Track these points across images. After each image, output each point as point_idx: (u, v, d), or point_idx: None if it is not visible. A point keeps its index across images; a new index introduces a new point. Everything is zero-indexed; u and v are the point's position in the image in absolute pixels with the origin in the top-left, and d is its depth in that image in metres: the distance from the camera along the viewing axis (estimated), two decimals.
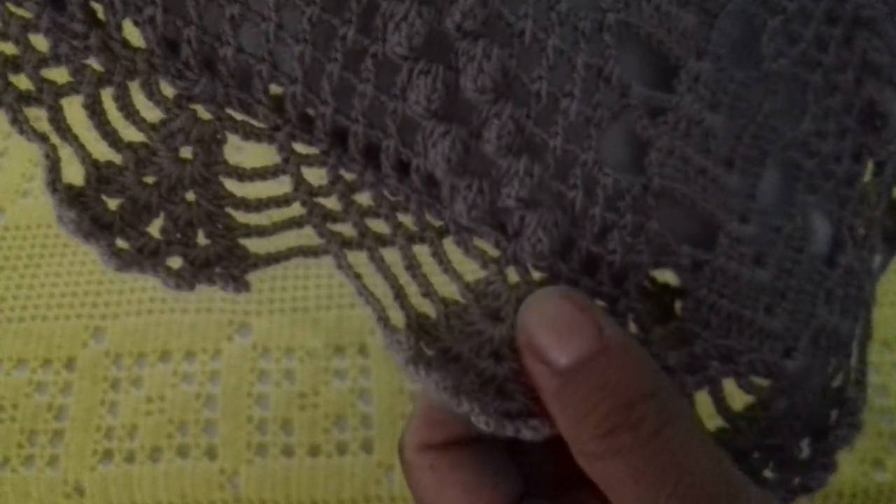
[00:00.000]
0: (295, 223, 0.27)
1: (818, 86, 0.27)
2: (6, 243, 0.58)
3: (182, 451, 0.50)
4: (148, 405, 0.51)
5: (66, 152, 0.25)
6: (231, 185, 0.27)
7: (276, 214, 0.28)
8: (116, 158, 0.25)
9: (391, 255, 0.27)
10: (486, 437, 0.27)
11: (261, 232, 0.27)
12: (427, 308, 0.27)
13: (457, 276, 0.27)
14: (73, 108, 0.25)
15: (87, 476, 0.49)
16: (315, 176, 0.27)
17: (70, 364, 0.53)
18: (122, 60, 0.25)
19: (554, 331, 0.24)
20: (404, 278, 0.27)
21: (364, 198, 0.27)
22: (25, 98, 0.25)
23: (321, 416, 0.51)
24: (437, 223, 0.27)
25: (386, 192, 0.26)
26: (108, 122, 0.25)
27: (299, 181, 0.27)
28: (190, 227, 0.26)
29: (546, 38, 0.24)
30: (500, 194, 0.25)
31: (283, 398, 0.52)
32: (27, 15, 0.24)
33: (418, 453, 0.28)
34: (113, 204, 0.25)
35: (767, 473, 0.28)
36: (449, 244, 0.27)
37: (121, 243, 0.25)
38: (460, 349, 0.26)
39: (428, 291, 0.27)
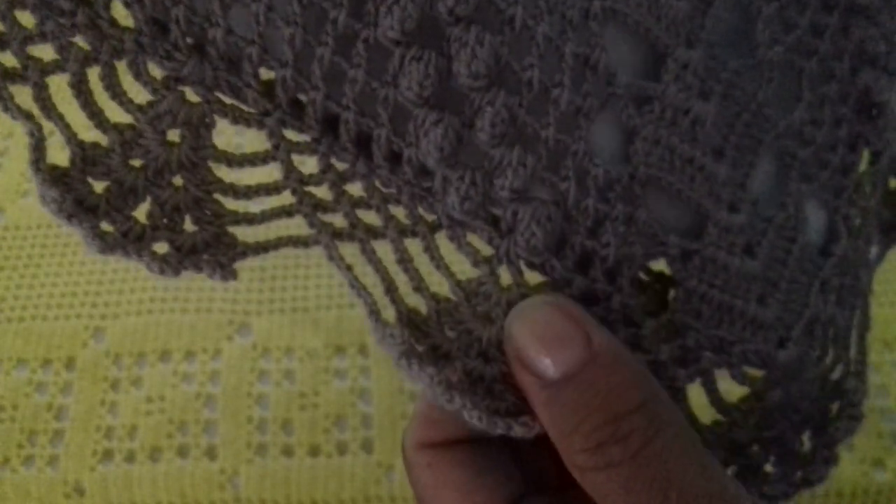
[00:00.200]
0: (285, 212, 0.27)
1: (813, 73, 0.27)
2: (6, 243, 0.58)
3: (182, 451, 0.50)
4: (148, 405, 0.51)
5: (58, 138, 0.25)
6: (224, 174, 0.27)
7: (266, 202, 0.27)
8: (102, 140, 0.25)
9: (383, 248, 0.27)
10: (486, 437, 0.27)
11: (250, 220, 0.27)
12: (418, 303, 0.27)
13: (448, 273, 0.27)
14: (63, 93, 0.25)
15: (87, 476, 0.49)
16: (306, 165, 0.26)
17: (70, 364, 0.53)
18: (109, 39, 0.24)
19: (542, 342, 0.24)
20: (395, 271, 0.27)
21: (356, 188, 0.27)
22: (10, 75, 0.24)
23: (321, 416, 0.51)
24: (430, 217, 0.27)
25: (378, 184, 0.26)
26: (94, 103, 0.25)
27: (290, 169, 0.26)
28: (177, 212, 0.26)
29: (536, 26, 0.24)
30: (494, 186, 0.25)
31: (283, 398, 0.52)
32: None
33: (418, 452, 0.28)
34: (99, 186, 0.25)
35: (768, 468, 0.28)
36: (442, 240, 0.27)
37: (105, 226, 0.24)
38: (449, 347, 0.26)
39: (419, 286, 0.27)
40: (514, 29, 0.24)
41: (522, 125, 0.25)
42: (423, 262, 0.27)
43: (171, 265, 0.25)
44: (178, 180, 0.26)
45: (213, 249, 0.26)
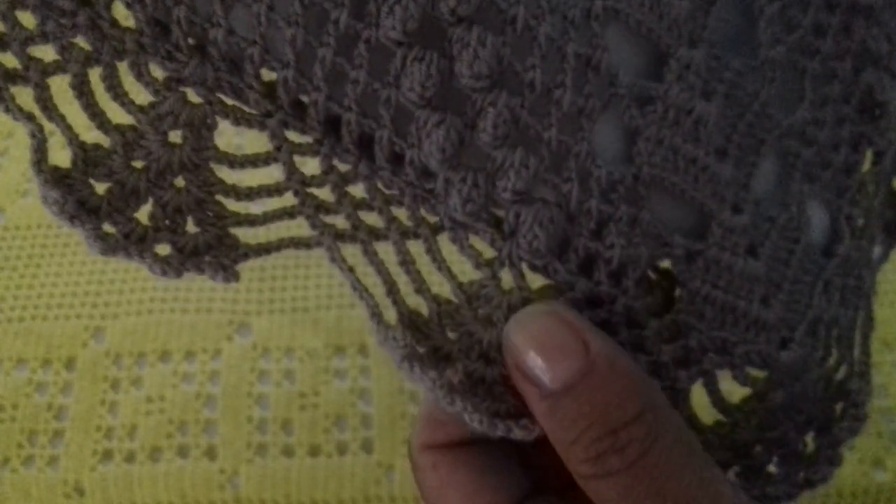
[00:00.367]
0: (287, 213, 0.27)
1: (816, 73, 0.26)
2: (6, 243, 0.58)
3: (182, 451, 0.50)
4: (148, 405, 0.51)
5: (60, 139, 0.25)
6: (225, 175, 0.26)
7: (269, 204, 0.27)
8: (104, 141, 0.25)
9: (385, 250, 0.27)
10: (490, 439, 0.27)
11: (252, 221, 0.27)
12: (419, 304, 0.27)
13: (450, 276, 0.27)
14: (65, 94, 0.25)
15: (87, 476, 0.49)
16: (308, 166, 0.26)
17: (70, 364, 0.53)
18: (110, 40, 0.24)
19: (540, 353, 0.24)
20: (397, 273, 0.27)
21: (358, 190, 0.26)
22: (11, 76, 0.24)
23: (321, 416, 0.51)
24: (432, 219, 0.27)
25: (380, 185, 0.26)
26: (95, 103, 0.25)
27: (292, 170, 0.26)
28: (179, 213, 0.26)
29: (538, 26, 0.24)
30: (496, 187, 0.25)
31: (283, 398, 0.52)
32: None
33: (422, 453, 0.28)
34: (101, 188, 0.25)
35: (772, 468, 0.28)
36: (445, 242, 0.27)
37: (107, 228, 0.24)
38: (451, 349, 0.26)
39: (421, 288, 0.27)
40: (515, 29, 0.23)
41: (525, 126, 0.24)
42: (424, 264, 0.27)
43: (172, 267, 0.25)
44: (179, 181, 0.26)
45: (216, 251, 0.26)
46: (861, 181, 0.28)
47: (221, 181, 0.26)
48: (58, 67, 0.25)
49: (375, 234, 0.27)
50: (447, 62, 0.24)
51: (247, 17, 0.24)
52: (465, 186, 0.25)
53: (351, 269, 0.26)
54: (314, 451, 0.50)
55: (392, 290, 0.26)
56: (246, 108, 0.25)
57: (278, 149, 0.26)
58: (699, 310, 0.26)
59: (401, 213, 0.27)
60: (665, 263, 0.27)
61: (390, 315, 0.26)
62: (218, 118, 0.25)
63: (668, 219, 0.26)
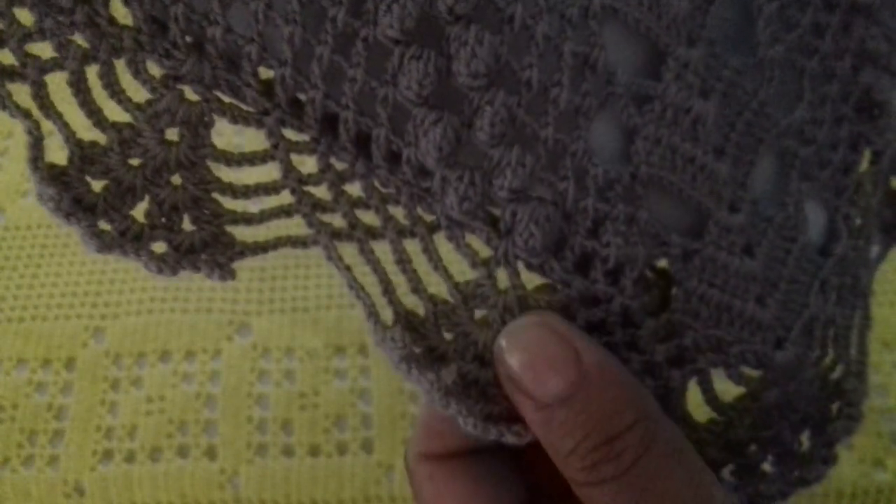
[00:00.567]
0: (284, 212, 0.27)
1: (815, 72, 0.26)
2: (6, 243, 0.58)
3: (182, 451, 0.50)
4: (148, 405, 0.51)
5: (57, 138, 0.25)
6: (223, 173, 0.26)
7: (265, 202, 0.27)
8: (101, 138, 0.25)
9: (382, 248, 0.27)
10: (486, 448, 0.27)
11: (248, 219, 0.27)
12: (416, 303, 0.27)
13: (447, 275, 0.27)
14: (62, 92, 0.25)
15: (87, 476, 0.49)
16: (305, 165, 0.26)
17: (70, 364, 0.53)
18: (108, 37, 0.24)
19: (533, 367, 0.24)
20: (394, 272, 0.27)
21: (355, 188, 0.26)
22: (9, 73, 0.24)
23: (321, 416, 0.51)
24: (429, 218, 0.27)
25: (377, 184, 0.26)
26: (92, 101, 0.25)
27: (289, 168, 0.26)
28: (175, 211, 0.26)
29: (535, 25, 0.24)
30: (493, 186, 0.25)
31: (283, 398, 0.52)
32: None
33: (419, 463, 0.28)
34: (97, 185, 0.25)
35: (767, 467, 0.28)
36: (442, 241, 0.27)
37: (103, 225, 0.24)
38: (446, 349, 0.26)
39: (417, 288, 0.27)
40: (513, 28, 0.23)
41: (521, 125, 0.24)
42: (421, 263, 0.27)
43: (168, 264, 0.25)
44: (176, 179, 0.26)
45: (212, 249, 0.26)
46: (859, 181, 0.28)
47: (218, 179, 0.26)
48: (55, 65, 0.25)
49: (372, 233, 0.27)
50: (445, 61, 0.24)
51: (245, 15, 0.24)
52: (462, 185, 0.25)
53: (348, 268, 0.26)
54: (314, 451, 0.50)
55: (388, 289, 0.26)
56: (243, 106, 0.25)
57: (275, 147, 0.26)
58: (695, 309, 0.26)
59: (398, 212, 0.27)
60: (662, 262, 0.27)
61: (387, 315, 0.26)
62: (215, 116, 0.25)
63: (665, 218, 0.26)
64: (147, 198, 0.25)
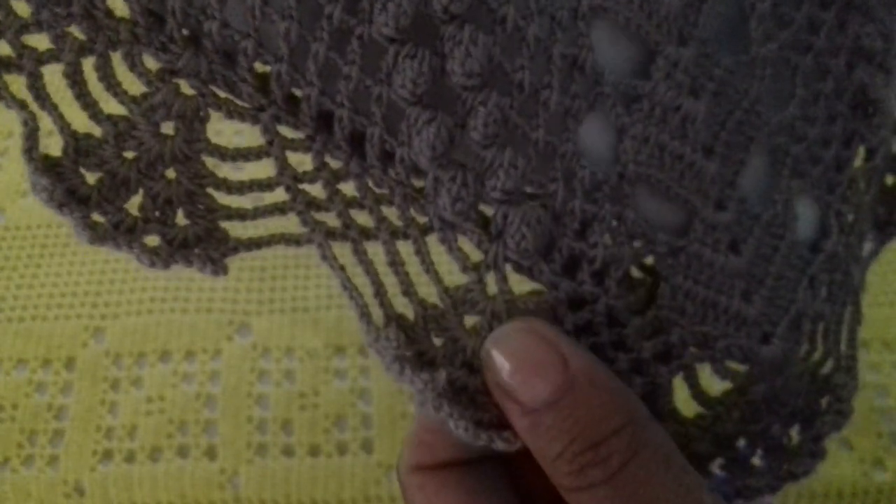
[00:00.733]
0: (278, 209, 0.27)
1: (808, 69, 0.27)
2: (6, 243, 0.58)
3: (182, 451, 0.50)
4: (148, 405, 0.51)
5: (57, 138, 0.25)
6: (218, 170, 0.26)
7: (260, 199, 0.27)
8: (96, 130, 0.25)
9: (376, 249, 0.27)
10: (477, 459, 0.28)
11: (242, 215, 0.27)
12: (406, 305, 0.26)
13: (437, 279, 0.27)
14: (58, 84, 0.25)
15: (87, 476, 0.49)
16: (301, 162, 0.26)
17: (70, 364, 0.53)
18: (104, 30, 0.24)
19: (520, 373, 0.24)
20: (387, 273, 0.27)
21: (350, 188, 0.26)
22: (5, 64, 0.25)
23: (321, 416, 0.51)
24: (422, 220, 0.26)
25: (371, 184, 0.26)
26: (88, 93, 0.25)
27: (284, 165, 0.26)
28: (169, 205, 0.26)
29: (526, 27, 0.24)
30: (485, 187, 0.25)
31: (283, 398, 0.52)
32: None
33: (411, 474, 0.29)
34: (91, 177, 0.25)
35: (756, 461, 0.28)
36: (435, 244, 0.27)
37: (97, 217, 0.24)
38: (435, 354, 0.26)
39: (408, 291, 0.27)
40: (505, 29, 0.23)
41: (513, 126, 0.24)
42: (414, 265, 0.27)
43: (161, 258, 0.25)
44: (170, 173, 0.26)
45: (205, 244, 0.26)
46: (853, 177, 0.28)
47: (212, 174, 0.26)
48: (52, 56, 0.25)
49: (366, 233, 0.27)
50: (439, 60, 0.24)
51: (241, 10, 0.24)
52: (455, 185, 0.25)
53: (342, 268, 0.26)
54: (314, 451, 0.50)
55: (379, 291, 0.26)
56: (239, 102, 0.25)
57: (270, 143, 0.26)
58: (680, 305, 0.26)
59: (391, 213, 0.27)
60: (649, 259, 0.27)
61: (379, 315, 0.26)
62: (211, 111, 0.25)
63: (652, 216, 0.26)
64: (141, 191, 0.25)
